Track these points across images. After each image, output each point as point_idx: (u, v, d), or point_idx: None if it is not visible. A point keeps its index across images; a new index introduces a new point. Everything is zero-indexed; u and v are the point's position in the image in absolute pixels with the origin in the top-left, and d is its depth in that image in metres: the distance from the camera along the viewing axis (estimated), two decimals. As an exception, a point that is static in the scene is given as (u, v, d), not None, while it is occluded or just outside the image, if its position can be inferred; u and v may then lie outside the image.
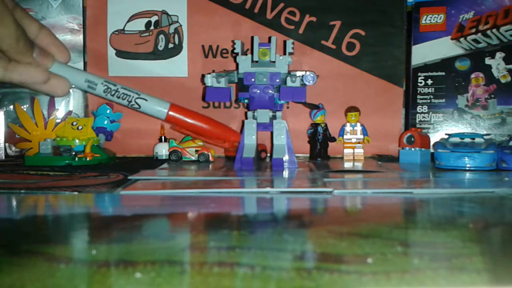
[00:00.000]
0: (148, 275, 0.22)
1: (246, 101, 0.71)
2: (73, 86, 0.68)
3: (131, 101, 0.69)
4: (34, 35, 0.64)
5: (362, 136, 0.77)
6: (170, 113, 0.73)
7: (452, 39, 0.80)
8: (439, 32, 0.81)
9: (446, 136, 0.67)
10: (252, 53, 0.69)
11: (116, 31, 0.83)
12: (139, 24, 0.83)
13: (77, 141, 0.72)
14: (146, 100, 0.71)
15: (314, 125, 0.78)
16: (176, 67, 0.83)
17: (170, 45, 0.83)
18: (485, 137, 0.65)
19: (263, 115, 0.67)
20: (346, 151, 0.77)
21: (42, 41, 0.65)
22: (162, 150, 0.77)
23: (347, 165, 0.70)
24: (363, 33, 0.82)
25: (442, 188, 0.49)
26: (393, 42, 0.82)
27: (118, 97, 0.69)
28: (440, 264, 0.24)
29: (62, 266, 0.23)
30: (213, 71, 0.73)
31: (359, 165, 0.70)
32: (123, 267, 0.23)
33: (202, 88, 0.82)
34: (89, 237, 0.31)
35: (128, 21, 0.83)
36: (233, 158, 0.69)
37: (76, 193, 0.45)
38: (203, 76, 0.74)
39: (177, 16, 0.83)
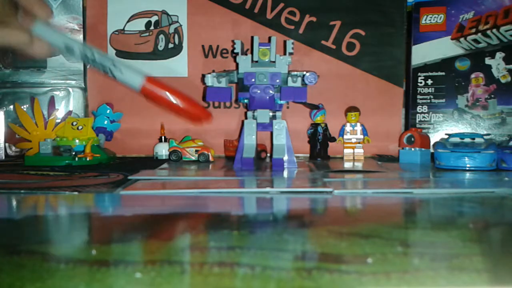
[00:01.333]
0: (148, 275, 0.22)
1: (246, 101, 0.71)
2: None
3: (106, 71, 0.67)
4: None
5: (362, 136, 0.77)
6: (145, 85, 0.69)
7: (452, 39, 0.80)
8: (439, 32, 0.81)
9: (446, 136, 0.67)
10: (252, 53, 0.69)
11: (116, 31, 0.83)
12: (139, 24, 0.83)
13: (77, 141, 0.72)
14: (122, 73, 0.68)
15: (314, 125, 0.78)
16: (176, 67, 0.83)
17: (170, 45, 0.83)
18: (485, 137, 0.65)
19: (263, 115, 0.67)
20: (346, 151, 0.77)
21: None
22: (162, 150, 0.77)
23: (347, 165, 0.70)
24: (363, 33, 0.82)
25: (442, 188, 0.49)
26: (393, 42, 0.82)
27: (94, 66, 0.66)
28: (440, 264, 0.24)
29: (62, 266, 0.23)
30: (213, 71, 0.73)
31: (359, 165, 0.70)
32: (123, 267, 0.23)
33: (202, 88, 0.82)
34: (89, 237, 0.31)
35: (128, 21, 0.83)
36: (233, 158, 0.69)
37: (76, 193, 0.45)
38: (203, 76, 0.74)
39: (177, 16, 0.83)
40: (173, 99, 0.68)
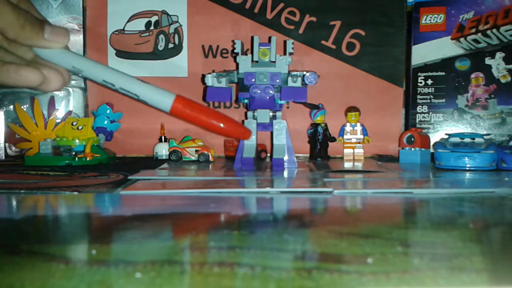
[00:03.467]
0: (148, 275, 0.22)
1: (246, 101, 0.71)
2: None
3: (131, 96, 0.63)
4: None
5: (362, 136, 0.77)
6: (176, 106, 0.65)
7: (452, 39, 0.80)
8: (439, 32, 0.81)
9: (446, 136, 0.67)
10: (252, 53, 0.69)
11: (116, 31, 0.83)
12: (139, 24, 0.83)
13: (77, 141, 0.72)
14: (147, 102, 0.66)
15: (314, 125, 0.78)
16: (176, 67, 0.83)
17: (170, 45, 0.83)
18: (485, 137, 0.65)
19: (263, 115, 0.68)
20: (346, 151, 0.77)
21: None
22: (162, 150, 0.77)
23: (347, 165, 0.70)
24: (363, 33, 0.82)
25: (442, 188, 0.49)
26: (393, 42, 0.82)
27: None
28: (440, 264, 0.24)
29: (62, 266, 0.23)
30: (213, 71, 0.73)
31: (359, 165, 0.70)
32: (123, 267, 0.23)
33: (202, 88, 0.82)
34: (89, 237, 0.31)
35: (128, 21, 0.83)
36: (233, 158, 0.69)
37: (76, 193, 0.45)
38: (203, 76, 0.74)
39: (177, 16, 0.83)
40: (206, 119, 0.64)
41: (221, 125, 0.66)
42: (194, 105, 0.64)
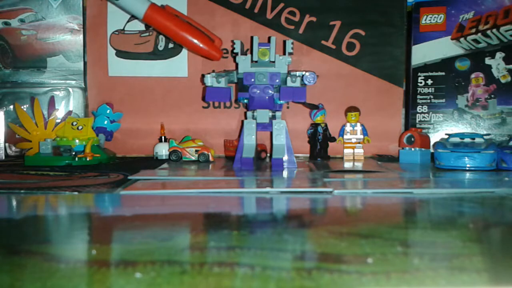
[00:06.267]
0: (148, 275, 0.22)
1: (246, 101, 0.71)
2: None
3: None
4: None
5: (362, 136, 0.77)
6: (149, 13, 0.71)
7: (452, 39, 0.80)
8: (439, 32, 0.81)
9: (446, 136, 0.67)
10: (251, 53, 0.69)
11: (116, 31, 0.83)
12: (139, 24, 0.83)
13: (77, 141, 0.72)
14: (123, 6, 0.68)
15: (314, 125, 0.78)
16: (176, 67, 0.83)
17: (170, 45, 0.83)
18: (485, 137, 0.65)
19: (263, 115, 0.67)
20: (346, 151, 0.77)
21: None
22: (162, 150, 0.77)
23: (347, 165, 0.70)
24: (363, 33, 0.82)
25: (442, 188, 0.49)
26: (393, 42, 0.82)
27: None
28: (440, 264, 0.24)
29: (62, 266, 0.23)
30: (213, 71, 0.73)
31: (359, 165, 0.70)
32: (123, 267, 0.23)
33: (202, 88, 0.82)
34: (89, 237, 0.31)
35: (128, 21, 0.83)
36: (233, 158, 0.69)
37: (76, 193, 0.45)
38: (203, 76, 0.74)
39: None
40: (177, 30, 0.67)
41: (192, 39, 0.67)
42: (166, 13, 0.64)
